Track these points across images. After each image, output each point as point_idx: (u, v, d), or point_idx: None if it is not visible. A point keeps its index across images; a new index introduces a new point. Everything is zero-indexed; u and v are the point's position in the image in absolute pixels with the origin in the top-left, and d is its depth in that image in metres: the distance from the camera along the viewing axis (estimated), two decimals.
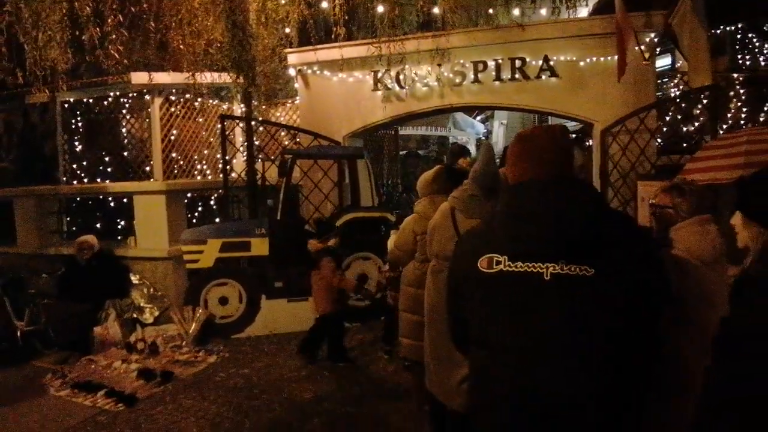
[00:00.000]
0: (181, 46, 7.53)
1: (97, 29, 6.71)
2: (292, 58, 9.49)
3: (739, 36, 11.63)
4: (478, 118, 19.98)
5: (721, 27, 11.25)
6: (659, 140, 8.48)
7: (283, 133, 9.87)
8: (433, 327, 4.08)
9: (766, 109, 10.33)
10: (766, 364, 1.84)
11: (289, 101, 10.64)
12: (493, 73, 8.74)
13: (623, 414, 1.81)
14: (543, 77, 8.59)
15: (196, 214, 9.29)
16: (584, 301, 1.77)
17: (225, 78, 8.91)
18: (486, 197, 3.94)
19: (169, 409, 5.23)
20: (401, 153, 14.84)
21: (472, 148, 15.11)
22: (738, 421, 1.89)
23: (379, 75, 9.18)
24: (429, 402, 4.34)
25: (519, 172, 2.01)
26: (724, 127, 9.27)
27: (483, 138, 19.50)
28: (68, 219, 9.69)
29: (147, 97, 9.30)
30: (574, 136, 14.66)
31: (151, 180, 9.22)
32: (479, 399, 2.08)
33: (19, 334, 6.88)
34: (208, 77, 8.53)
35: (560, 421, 1.80)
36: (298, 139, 9.26)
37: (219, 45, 7.77)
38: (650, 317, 1.83)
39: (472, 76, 8.82)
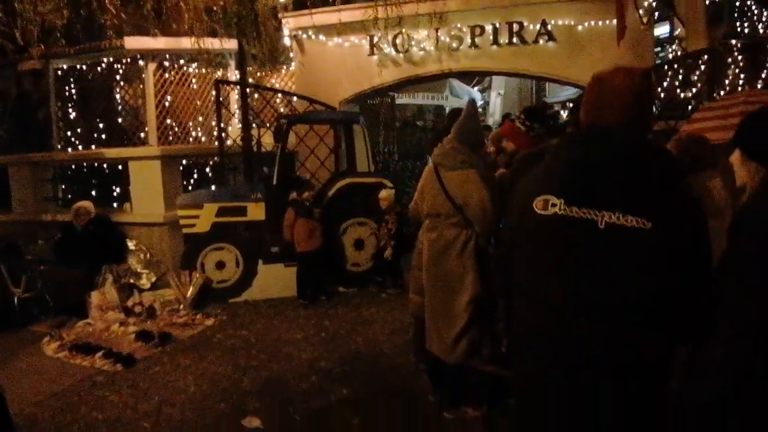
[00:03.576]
0: (180, 4, 7.41)
1: None
2: (288, 22, 9.39)
3: (737, 3, 11.53)
4: (476, 89, 19.83)
5: None
6: (656, 105, 8.44)
7: (278, 100, 9.80)
8: (429, 284, 4.09)
9: (763, 75, 10.29)
10: (745, 293, 1.83)
11: (284, 67, 10.54)
12: (491, 38, 8.66)
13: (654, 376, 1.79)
14: (541, 42, 8.52)
15: (192, 181, 9.25)
16: (638, 255, 1.71)
17: (222, 43, 8.83)
18: (470, 150, 3.94)
19: (167, 369, 5.27)
20: (397, 124, 14.74)
21: None
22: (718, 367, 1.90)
23: (376, 39, 9.10)
24: (426, 361, 4.39)
25: (589, 115, 1.94)
26: (722, 93, 9.23)
27: (481, 109, 19.39)
28: (63, 186, 9.65)
29: (141, 62, 9.19)
30: (572, 105, 14.60)
31: (146, 146, 9.16)
32: (516, 348, 2.10)
33: (15, 300, 6.89)
34: (203, 42, 8.44)
35: (589, 376, 1.79)
36: (293, 104, 9.20)
37: (215, 8, 7.67)
38: (699, 274, 1.76)
39: (470, 41, 8.75)
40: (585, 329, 1.76)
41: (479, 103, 19.54)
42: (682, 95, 9.61)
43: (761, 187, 2.03)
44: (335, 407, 4.36)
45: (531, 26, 8.53)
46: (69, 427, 4.26)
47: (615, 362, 1.75)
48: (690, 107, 8.91)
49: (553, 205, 1.84)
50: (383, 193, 7.25)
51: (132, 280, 7.62)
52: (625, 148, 1.83)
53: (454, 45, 8.83)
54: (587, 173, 1.84)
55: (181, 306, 6.92)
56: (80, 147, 9.72)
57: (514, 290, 2.08)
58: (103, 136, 9.72)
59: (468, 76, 15.08)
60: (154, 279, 7.87)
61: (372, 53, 9.20)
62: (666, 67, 9.33)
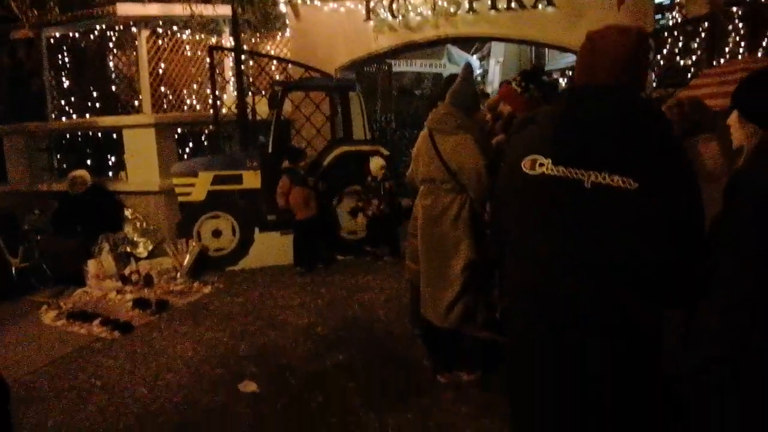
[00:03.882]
0: None
1: None
2: None
3: None
4: (475, 56, 19.61)
5: None
6: (655, 72, 8.36)
7: (273, 67, 9.69)
8: (424, 250, 4.09)
9: (764, 43, 10.15)
10: (742, 264, 1.81)
11: (279, 34, 10.40)
12: (489, 2, 8.51)
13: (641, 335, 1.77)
14: (540, 6, 8.38)
15: (187, 150, 9.19)
16: (624, 215, 1.69)
17: (215, 9, 8.70)
18: (465, 115, 3.89)
19: (164, 335, 5.30)
20: (394, 92, 14.60)
21: None
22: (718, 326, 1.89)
23: (372, 4, 8.96)
24: (420, 326, 4.41)
25: (583, 74, 1.91)
26: (722, 61, 9.12)
27: (480, 77, 19.19)
28: (59, 156, 9.59)
29: (133, 29, 9.06)
30: (571, 74, 14.45)
31: (140, 114, 9.08)
32: (506, 306, 2.10)
33: (13, 270, 6.90)
34: (196, 8, 8.32)
35: (576, 335, 1.77)
36: (288, 71, 9.11)
37: None
38: (689, 238, 1.72)
39: (467, 5, 8.60)
40: (572, 288, 1.75)
41: (478, 71, 19.35)
42: (682, 62, 9.51)
43: (757, 149, 2.01)
44: (331, 372, 4.39)
45: None
46: (67, 393, 4.29)
47: (602, 322, 1.74)
48: (689, 75, 8.83)
49: (541, 164, 1.82)
50: (374, 163, 7.21)
51: (129, 249, 7.63)
52: (621, 105, 1.80)
53: (452, 10, 8.68)
54: (581, 131, 1.80)
55: (178, 274, 6.94)
56: (74, 116, 9.64)
57: (505, 250, 2.07)
58: (98, 105, 9.64)
59: (466, 43, 14.89)
60: (150, 248, 7.86)
61: (368, 18, 9.07)
62: (666, 33, 9.22)
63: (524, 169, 1.85)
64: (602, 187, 1.70)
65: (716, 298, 1.81)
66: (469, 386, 3.99)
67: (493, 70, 19.07)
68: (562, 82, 13.58)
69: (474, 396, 3.88)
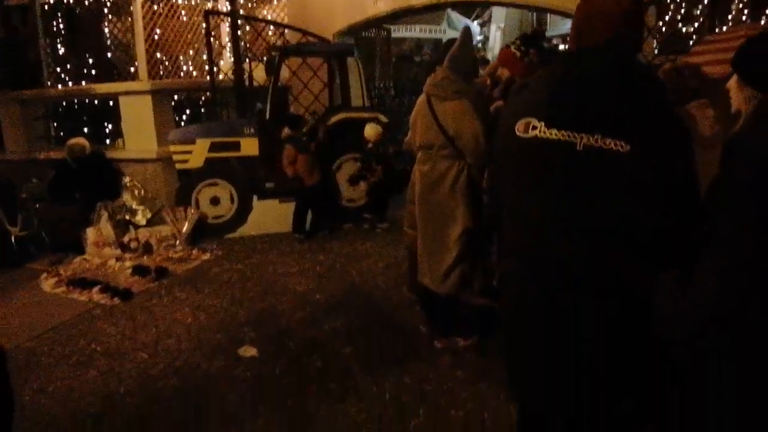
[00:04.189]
0: None
1: None
2: None
3: None
4: (475, 22, 19.40)
5: None
6: (657, 39, 8.26)
7: (270, 32, 9.56)
8: (422, 216, 4.09)
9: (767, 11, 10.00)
10: (740, 227, 1.81)
11: None
12: None
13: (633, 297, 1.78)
14: None
15: (184, 117, 9.12)
16: (617, 178, 1.67)
17: None
18: (464, 80, 3.85)
19: (164, 302, 5.34)
20: (393, 58, 14.45)
21: None
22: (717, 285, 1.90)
23: None
24: (417, 292, 4.43)
25: (580, 37, 1.87)
26: (724, 28, 9.00)
27: (480, 44, 18.96)
28: (55, 124, 9.54)
29: None
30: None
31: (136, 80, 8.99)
32: (501, 269, 2.11)
33: (12, 239, 6.90)
34: None
35: (569, 298, 1.78)
36: (285, 36, 8.99)
37: None
38: (682, 201, 1.71)
39: None
40: (565, 251, 1.75)
41: (479, 37, 19.11)
42: (684, 29, 9.39)
43: (756, 113, 2.00)
44: (329, 337, 4.43)
45: None
46: (68, 359, 4.34)
47: (595, 285, 1.75)
48: (691, 42, 8.72)
49: (534, 128, 1.80)
50: (370, 129, 7.17)
51: (127, 217, 7.63)
52: (618, 62, 1.76)
53: None
54: (577, 91, 1.77)
55: (177, 241, 6.95)
56: (70, 83, 9.55)
57: (503, 213, 2.07)
58: (94, 72, 9.54)
59: (467, 8, 14.67)
60: (149, 215, 7.86)
61: None
62: (668, 0, 9.07)
63: (518, 133, 1.84)
64: (594, 150, 1.69)
65: (715, 258, 1.82)
66: (466, 351, 4.03)
67: (494, 36, 18.83)
68: (563, 48, 13.41)
69: (471, 361, 3.92)
